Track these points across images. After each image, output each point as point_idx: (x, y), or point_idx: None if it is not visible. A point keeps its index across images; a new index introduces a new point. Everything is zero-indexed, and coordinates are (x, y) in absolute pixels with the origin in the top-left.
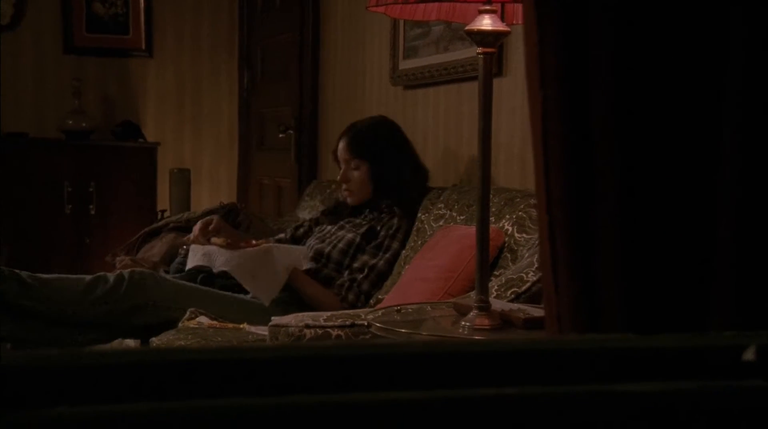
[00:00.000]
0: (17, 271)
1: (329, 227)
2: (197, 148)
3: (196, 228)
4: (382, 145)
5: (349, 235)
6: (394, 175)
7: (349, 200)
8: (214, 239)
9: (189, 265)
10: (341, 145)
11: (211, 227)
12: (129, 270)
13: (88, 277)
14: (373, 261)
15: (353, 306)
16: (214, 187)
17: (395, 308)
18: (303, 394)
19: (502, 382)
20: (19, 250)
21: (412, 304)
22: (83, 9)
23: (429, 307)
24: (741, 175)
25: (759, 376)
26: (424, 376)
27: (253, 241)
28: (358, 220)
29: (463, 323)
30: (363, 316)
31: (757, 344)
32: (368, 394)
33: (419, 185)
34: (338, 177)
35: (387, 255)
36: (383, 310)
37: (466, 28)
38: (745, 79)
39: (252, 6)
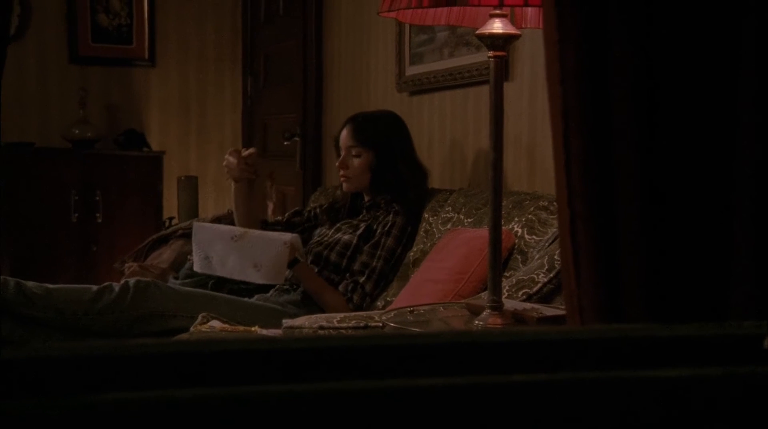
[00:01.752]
0: (21, 281)
1: (326, 230)
2: (202, 155)
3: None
4: (386, 136)
5: (346, 238)
6: (394, 167)
7: (344, 186)
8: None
9: (195, 266)
10: (344, 131)
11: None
12: (134, 279)
13: (94, 288)
14: (373, 262)
15: (359, 307)
16: (220, 195)
17: (408, 309)
18: (334, 381)
19: (532, 369)
20: (27, 259)
21: (425, 304)
22: (88, 19)
23: (441, 308)
24: (758, 166)
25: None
26: (458, 364)
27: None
28: (355, 222)
29: (476, 322)
30: (377, 318)
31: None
32: (401, 380)
33: (418, 184)
34: (336, 163)
35: (383, 252)
36: (396, 312)
37: (477, 31)
38: (760, 72)
39: (255, 14)
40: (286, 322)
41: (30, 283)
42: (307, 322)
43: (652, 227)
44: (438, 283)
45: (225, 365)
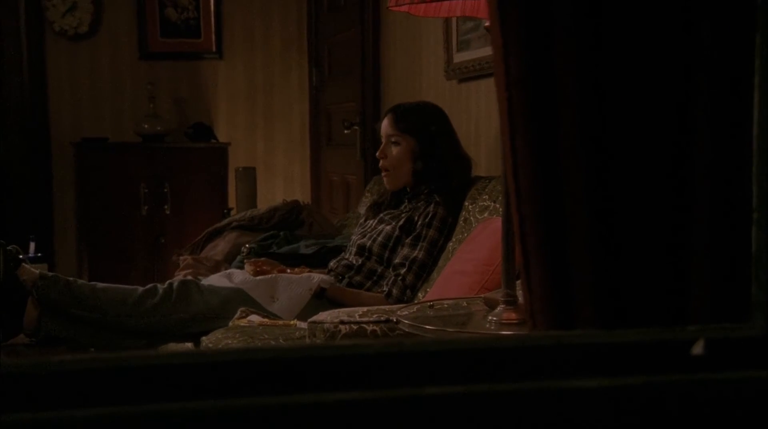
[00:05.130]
0: (70, 280)
1: (370, 221)
2: (270, 146)
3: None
4: (428, 124)
5: (388, 228)
6: (437, 154)
7: (385, 181)
8: (247, 267)
9: (212, 278)
10: (385, 121)
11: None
12: (178, 280)
13: (140, 289)
14: (414, 253)
15: (399, 300)
16: (288, 185)
17: (428, 304)
18: (265, 396)
19: (446, 381)
20: (100, 251)
21: (449, 299)
22: (157, 15)
23: (464, 303)
24: (713, 166)
25: (713, 369)
26: (374, 376)
27: (287, 270)
28: (396, 212)
29: (490, 318)
30: (399, 313)
31: (706, 338)
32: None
33: (461, 174)
34: (377, 153)
35: (425, 244)
36: (418, 306)
37: (485, 24)
38: (714, 73)
39: (319, 3)
40: (315, 317)
41: (79, 282)
42: (329, 316)
43: (604, 232)
44: (465, 275)
45: (129, 383)
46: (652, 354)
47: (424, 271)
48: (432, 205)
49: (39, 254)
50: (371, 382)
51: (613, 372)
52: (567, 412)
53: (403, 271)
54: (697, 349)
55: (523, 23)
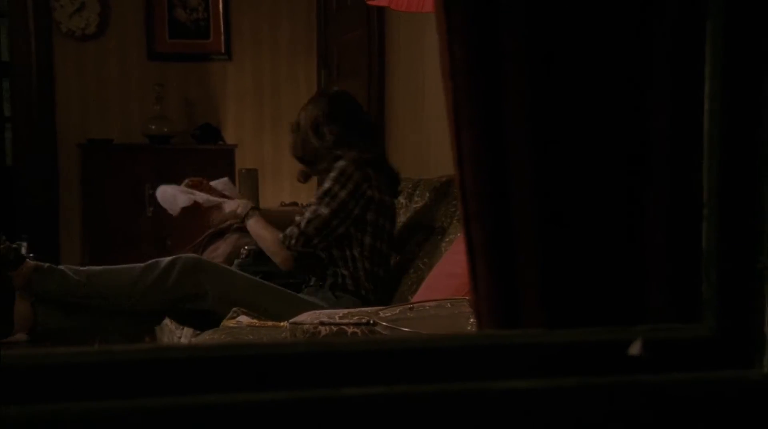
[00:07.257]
0: (65, 270)
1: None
2: (277, 147)
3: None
4: (306, 117)
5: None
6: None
7: None
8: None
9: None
10: None
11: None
12: (184, 256)
13: (138, 268)
14: (314, 206)
15: (288, 241)
16: (294, 186)
17: (409, 306)
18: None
19: (373, 381)
20: (104, 253)
21: (432, 301)
22: (165, 15)
23: (449, 304)
24: (670, 167)
25: (659, 371)
26: (291, 377)
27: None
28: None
29: (473, 320)
30: (381, 315)
31: (652, 338)
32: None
33: (360, 143)
34: None
35: (334, 204)
36: (401, 308)
37: None
38: (674, 59)
39: (328, 4)
40: (296, 318)
41: (71, 269)
42: (309, 318)
43: (553, 231)
44: (453, 277)
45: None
46: (596, 354)
47: (326, 228)
48: (341, 162)
49: (31, 255)
50: (292, 383)
51: (551, 373)
52: (496, 414)
53: (302, 221)
54: (635, 349)
55: (469, 6)
